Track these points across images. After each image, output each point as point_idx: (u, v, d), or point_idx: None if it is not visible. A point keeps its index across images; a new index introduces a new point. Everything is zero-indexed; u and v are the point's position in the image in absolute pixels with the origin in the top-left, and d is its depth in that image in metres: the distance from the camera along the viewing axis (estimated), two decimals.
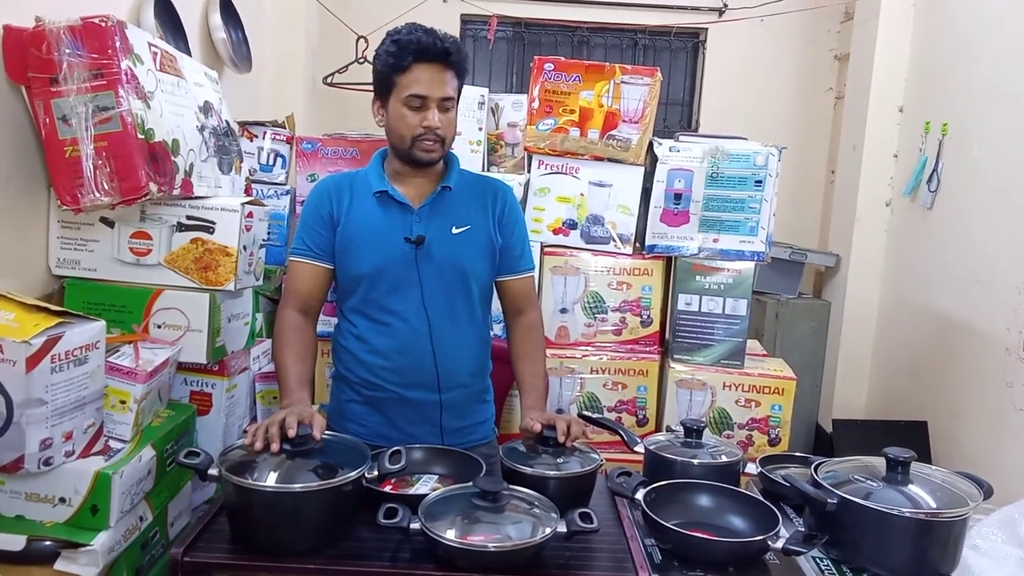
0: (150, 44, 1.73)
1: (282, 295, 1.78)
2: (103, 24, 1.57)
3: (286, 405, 1.54)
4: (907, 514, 1.30)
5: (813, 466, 1.47)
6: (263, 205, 2.00)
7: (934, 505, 1.33)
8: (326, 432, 1.43)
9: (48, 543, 1.42)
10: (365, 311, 1.74)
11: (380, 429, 1.75)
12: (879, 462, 1.42)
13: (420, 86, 1.62)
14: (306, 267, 1.73)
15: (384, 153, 1.80)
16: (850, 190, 3.84)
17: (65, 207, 1.62)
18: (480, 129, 2.59)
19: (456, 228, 1.73)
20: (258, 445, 1.35)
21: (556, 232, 2.50)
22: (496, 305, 1.86)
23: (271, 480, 1.29)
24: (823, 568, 1.35)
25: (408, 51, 1.60)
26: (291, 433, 1.35)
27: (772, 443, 2.38)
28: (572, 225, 2.50)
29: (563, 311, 2.49)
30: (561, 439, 1.53)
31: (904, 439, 3.10)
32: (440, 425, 1.75)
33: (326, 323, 2.18)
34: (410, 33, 1.62)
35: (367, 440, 1.66)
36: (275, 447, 1.34)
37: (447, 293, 1.72)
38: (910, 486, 1.37)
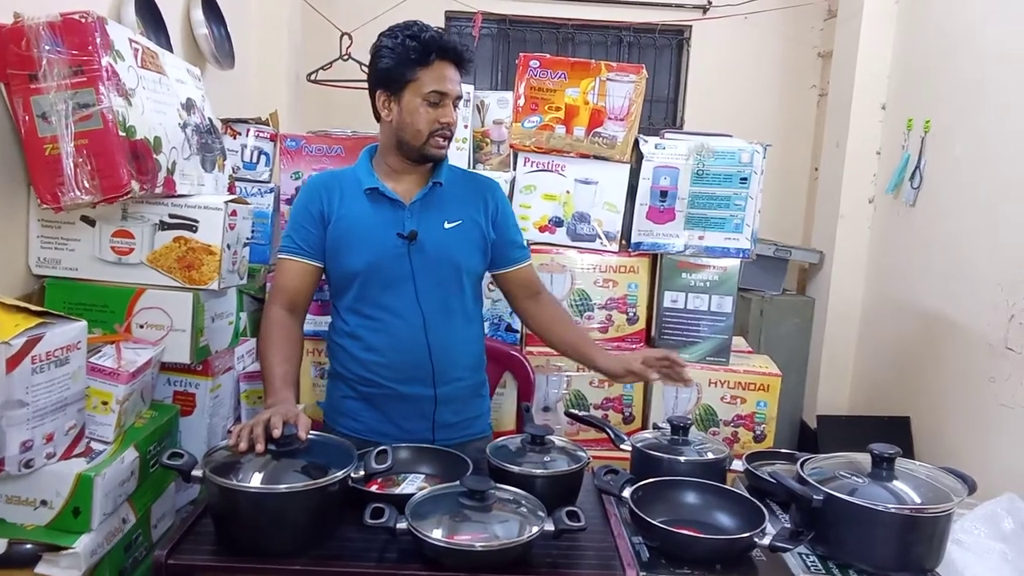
0: (131, 40, 1.71)
1: (270, 292, 1.77)
2: (83, 20, 1.55)
3: (270, 404, 1.53)
4: (892, 510, 1.31)
5: (799, 463, 1.48)
6: (247, 203, 1.99)
7: (919, 501, 1.33)
8: (312, 432, 1.42)
9: (29, 546, 1.40)
10: (359, 308, 1.73)
11: (375, 425, 1.74)
12: (864, 458, 1.43)
13: (443, 83, 1.64)
14: (295, 265, 1.72)
15: (372, 151, 1.79)
16: (834, 187, 3.86)
17: (45, 206, 1.60)
18: (466, 126, 2.59)
19: (448, 223, 1.73)
20: (242, 446, 1.34)
21: (542, 230, 2.50)
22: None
23: (256, 481, 1.28)
24: (809, 564, 1.35)
25: (432, 48, 1.62)
26: (276, 433, 1.34)
27: (757, 439, 2.40)
28: (558, 223, 2.49)
29: None
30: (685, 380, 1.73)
31: (887, 435, 3.10)
32: (433, 420, 1.74)
33: (314, 323, 2.16)
34: (424, 30, 1.64)
35: (362, 436, 1.68)
36: (260, 447, 1.33)
37: (441, 288, 1.72)
38: (895, 482, 1.38)
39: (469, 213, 1.76)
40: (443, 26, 4.25)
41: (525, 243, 1.89)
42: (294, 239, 1.73)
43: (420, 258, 1.69)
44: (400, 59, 1.63)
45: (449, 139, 1.70)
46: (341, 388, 1.79)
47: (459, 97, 1.70)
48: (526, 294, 1.87)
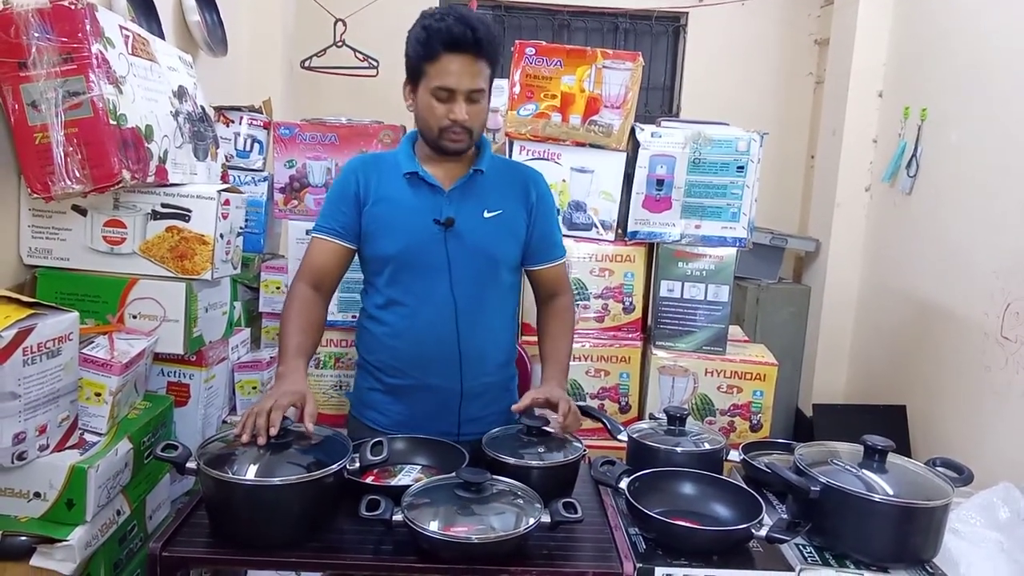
0: (122, 27, 1.69)
1: (299, 268, 1.74)
2: (73, 7, 1.53)
3: (281, 373, 1.53)
4: (890, 501, 1.31)
5: (796, 453, 1.47)
6: (240, 192, 1.97)
7: (916, 492, 1.33)
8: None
9: (23, 538, 1.40)
10: (391, 294, 1.70)
11: (401, 419, 1.73)
12: (861, 449, 1.43)
13: (449, 78, 1.57)
14: (327, 245, 1.70)
15: (414, 135, 1.75)
16: (830, 175, 3.85)
17: (36, 195, 1.58)
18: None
19: (488, 212, 1.69)
20: (245, 438, 1.33)
21: None
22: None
23: (251, 473, 1.27)
24: (806, 555, 1.35)
25: (438, 40, 1.55)
26: (273, 431, 1.33)
27: (754, 429, 2.40)
28: None
29: None
30: (557, 424, 1.56)
31: (883, 423, 3.13)
32: (459, 414, 1.72)
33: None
34: (441, 20, 1.56)
35: (387, 429, 1.68)
36: (262, 440, 1.32)
37: (476, 278, 1.69)
38: (892, 473, 1.37)
39: (510, 203, 1.72)
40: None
41: (560, 244, 1.84)
42: (329, 219, 1.70)
43: (457, 246, 1.66)
44: (414, 51, 1.60)
45: (467, 132, 1.62)
46: (367, 379, 1.77)
47: (475, 90, 1.59)
48: (544, 293, 1.84)
